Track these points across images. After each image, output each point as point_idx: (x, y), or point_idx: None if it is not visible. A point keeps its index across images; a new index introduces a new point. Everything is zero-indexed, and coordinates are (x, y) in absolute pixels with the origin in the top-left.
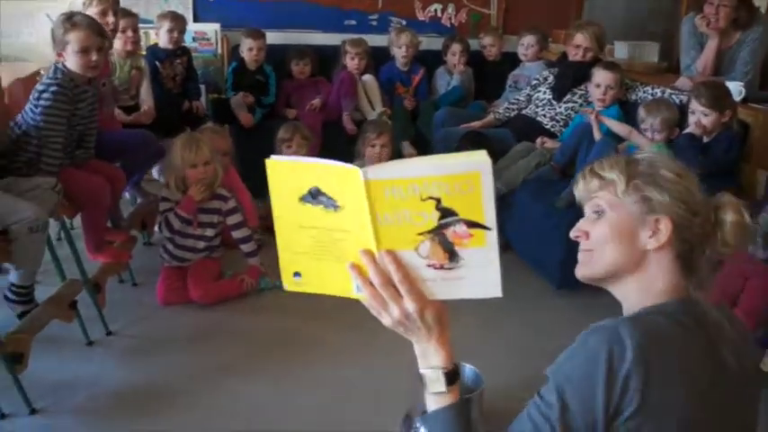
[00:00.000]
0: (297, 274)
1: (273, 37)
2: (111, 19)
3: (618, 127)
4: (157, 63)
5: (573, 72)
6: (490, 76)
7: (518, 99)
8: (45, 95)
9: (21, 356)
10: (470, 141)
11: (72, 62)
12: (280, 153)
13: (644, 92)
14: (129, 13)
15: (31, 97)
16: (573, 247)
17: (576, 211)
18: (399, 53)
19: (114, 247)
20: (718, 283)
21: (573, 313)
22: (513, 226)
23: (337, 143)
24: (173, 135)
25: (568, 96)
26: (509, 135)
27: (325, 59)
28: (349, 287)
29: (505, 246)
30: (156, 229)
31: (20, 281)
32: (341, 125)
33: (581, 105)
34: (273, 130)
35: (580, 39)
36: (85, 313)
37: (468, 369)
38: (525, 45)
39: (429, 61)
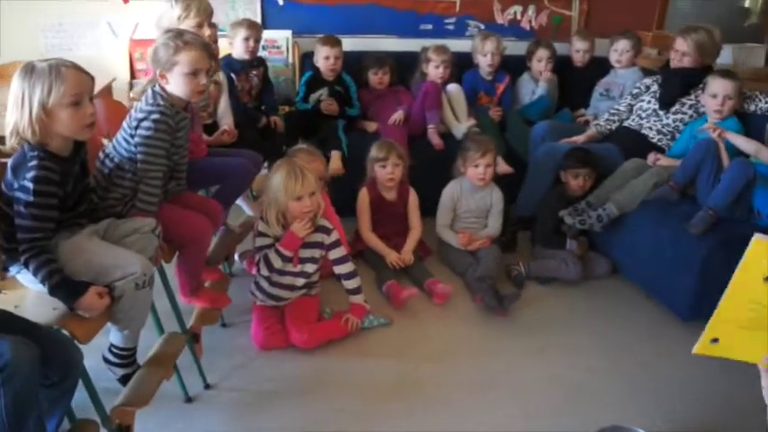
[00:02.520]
0: (715, 339)
1: (345, 43)
2: (207, 32)
3: (745, 144)
4: (233, 75)
5: (680, 80)
6: (575, 83)
7: (618, 109)
8: (145, 124)
9: (127, 429)
10: (577, 159)
11: (177, 85)
12: (371, 173)
13: (766, 102)
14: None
15: (125, 125)
16: (709, 276)
17: (715, 238)
18: (484, 61)
19: (211, 290)
20: None
21: None
22: (625, 250)
23: (423, 159)
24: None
25: (677, 107)
26: (614, 150)
27: (402, 67)
28: (759, 355)
29: (612, 270)
30: (254, 270)
31: (123, 343)
32: (426, 140)
33: (691, 117)
34: (353, 145)
35: (681, 44)
36: (179, 363)
37: None
38: (619, 50)
39: (509, 67)
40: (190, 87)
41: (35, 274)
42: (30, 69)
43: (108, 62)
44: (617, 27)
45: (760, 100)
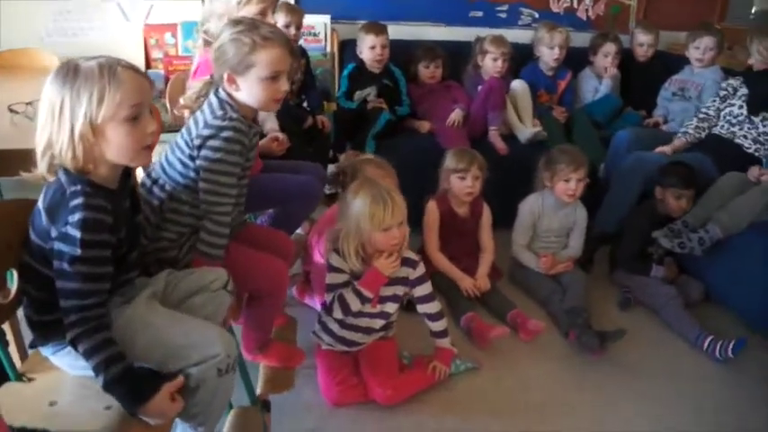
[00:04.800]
0: None
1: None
2: (271, 20)
3: None
4: None
5: None
6: (638, 79)
7: (708, 114)
8: (213, 144)
9: None
10: (681, 178)
11: (252, 92)
12: (444, 184)
13: None
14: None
15: (180, 142)
16: None
17: None
18: (550, 55)
19: (280, 343)
20: None
21: None
22: (725, 275)
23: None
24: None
25: None
26: (707, 162)
27: (452, 59)
28: None
29: (705, 296)
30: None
31: None
32: (486, 143)
33: None
34: (401, 149)
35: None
36: None
37: None
38: (702, 48)
39: (566, 62)
40: (267, 94)
41: (87, 359)
42: (71, 70)
43: (119, 50)
44: (677, 18)
45: None
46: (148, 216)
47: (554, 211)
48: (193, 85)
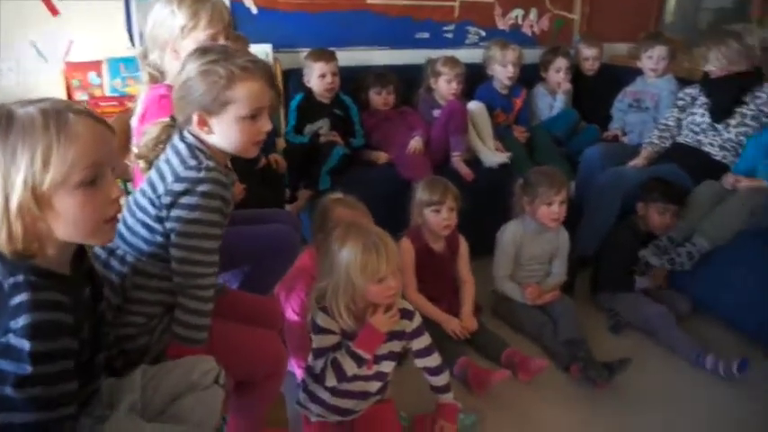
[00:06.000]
0: None
1: None
2: None
3: None
4: None
5: (731, 88)
6: (587, 93)
7: (667, 124)
8: (188, 201)
9: None
10: (664, 193)
11: (227, 134)
12: (418, 218)
13: None
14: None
15: (142, 202)
16: None
17: None
18: (504, 73)
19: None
20: None
21: None
22: (713, 287)
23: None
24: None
25: (737, 119)
26: (679, 172)
27: (403, 84)
28: None
29: (693, 308)
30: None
31: None
32: (449, 170)
33: (754, 129)
34: (360, 183)
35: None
36: None
37: None
38: (655, 58)
39: (518, 79)
40: (247, 136)
41: None
42: (3, 121)
43: (37, 93)
44: (616, 30)
45: None
46: (108, 296)
47: (536, 237)
48: (149, 131)
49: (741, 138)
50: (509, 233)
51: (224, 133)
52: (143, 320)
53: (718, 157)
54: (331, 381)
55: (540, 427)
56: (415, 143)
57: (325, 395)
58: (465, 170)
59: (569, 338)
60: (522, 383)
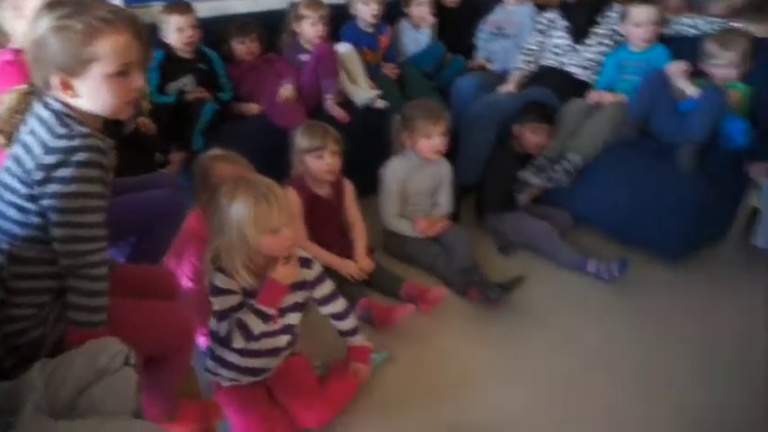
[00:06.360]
0: None
1: None
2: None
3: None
4: None
5: (586, 11)
6: (450, 25)
7: (531, 49)
8: (63, 173)
9: None
10: (539, 114)
11: (97, 95)
12: (300, 166)
13: (681, 24)
14: None
15: (9, 181)
16: (703, 213)
17: (704, 174)
18: (367, 11)
19: (190, 403)
20: None
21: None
22: (588, 199)
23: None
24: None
25: (593, 39)
26: (548, 93)
27: (267, 31)
28: None
29: (573, 222)
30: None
31: None
32: (323, 114)
33: (610, 47)
34: (234, 138)
35: None
36: None
37: None
38: None
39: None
40: (118, 95)
41: None
42: None
43: None
44: None
45: (677, 23)
46: None
47: (420, 171)
48: (2, 101)
49: (599, 56)
50: (392, 170)
51: (91, 95)
52: (32, 311)
53: (581, 77)
54: (239, 342)
55: (445, 353)
56: (285, 91)
57: (234, 358)
58: (339, 113)
59: (463, 265)
60: (425, 314)
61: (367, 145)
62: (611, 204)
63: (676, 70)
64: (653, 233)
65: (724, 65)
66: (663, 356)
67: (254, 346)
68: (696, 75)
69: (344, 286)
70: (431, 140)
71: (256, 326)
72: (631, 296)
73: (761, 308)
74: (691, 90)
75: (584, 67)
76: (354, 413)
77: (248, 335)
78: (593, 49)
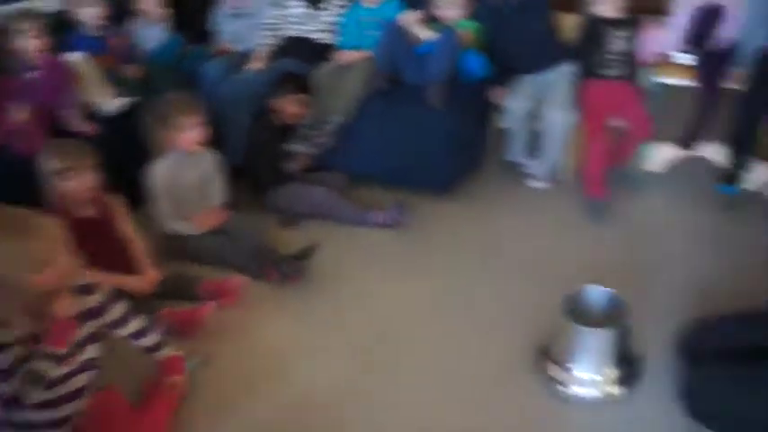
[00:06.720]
0: None
1: None
2: None
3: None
4: None
5: None
6: (186, 13)
7: (271, 23)
8: None
9: None
10: (296, 85)
11: None
12: (54, 192)
13: None
14: None
15: None
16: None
17: (458, 110)
18: (92, 15)
19: None
20: None
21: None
22: (360, 155)
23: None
24: None
25: (329, 2)
26: (298, 63)
27: None
28: None
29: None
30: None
31: None
32: (66, 131)
33: (344, 7)
34: None
35: None
36: None
37: None
38: None
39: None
40: None
41: None
42: None
43: None
44: None
45: None
46: None
47: (185, 167)
48: None
49: (338, 18)
50: (157, 174)
51: None
52: None
53: (324, 40)
54: (34, 395)
55: (260, 341)
56: (17, 112)
57: (33, 415)
58: (83, 126)
59: (253, 249)
60: (230, 307)
61: (126, 153)
62: (378, 155)
63: (408, 19)
64: (422, 172)
65: (450, 7)
66: (462, 283)
67: (52, 394)
68: (430, 21)
69: (140, 304)
70: (188, 133)
71: (51, 370)
72: (418, 234)
73: (528, 213)
74: (425, 34)
75: (326, 31)
76: (179, 427)
77: (47, 383)
78: (330, 11)
